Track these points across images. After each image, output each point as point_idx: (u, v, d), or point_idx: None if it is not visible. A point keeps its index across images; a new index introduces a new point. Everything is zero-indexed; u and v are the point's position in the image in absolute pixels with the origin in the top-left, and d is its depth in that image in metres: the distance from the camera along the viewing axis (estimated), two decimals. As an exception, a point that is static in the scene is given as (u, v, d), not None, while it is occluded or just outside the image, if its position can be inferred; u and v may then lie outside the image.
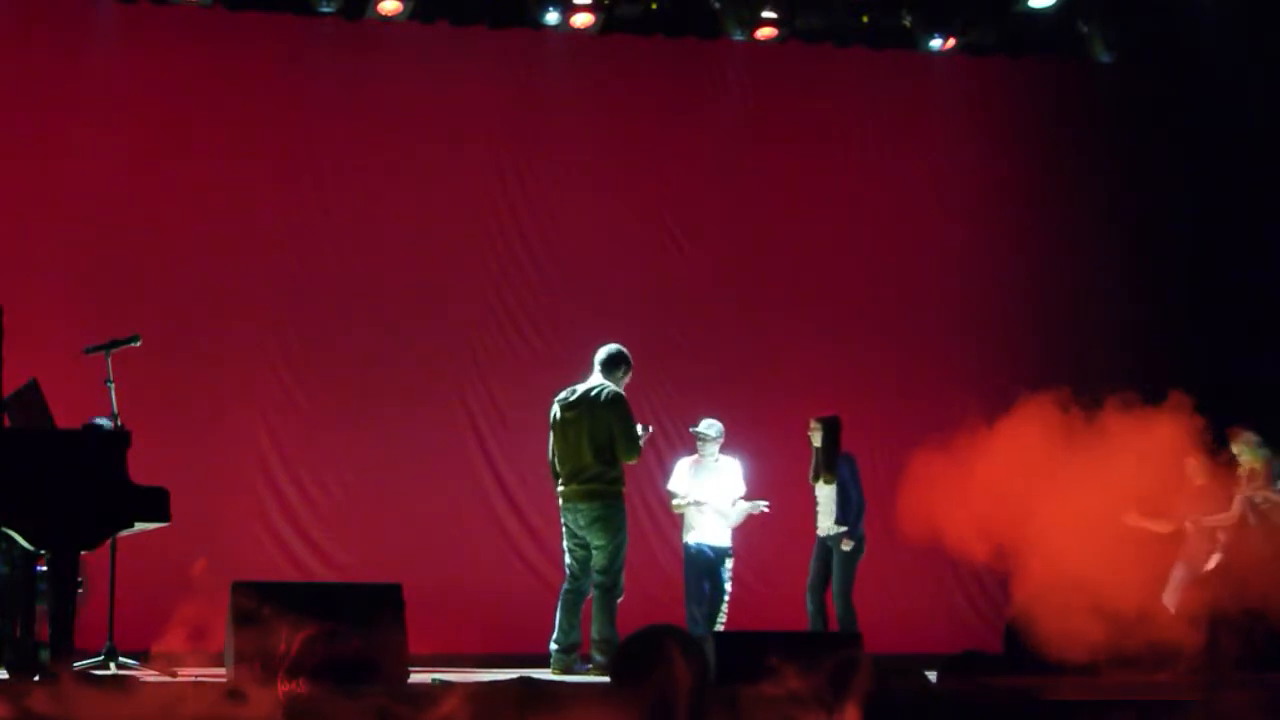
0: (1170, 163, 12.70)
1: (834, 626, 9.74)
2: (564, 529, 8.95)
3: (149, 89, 11.43)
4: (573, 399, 8.86)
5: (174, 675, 7.83)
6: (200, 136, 11.43)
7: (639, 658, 6.50)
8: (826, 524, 9.98)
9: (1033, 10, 12.31)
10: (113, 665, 8.17)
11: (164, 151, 11.33)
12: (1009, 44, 12.80)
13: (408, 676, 6.60)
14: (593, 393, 8.83)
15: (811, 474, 10.08)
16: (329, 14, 11.60)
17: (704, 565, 9.84)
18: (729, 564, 9.90)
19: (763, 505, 9.93)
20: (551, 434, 8.99)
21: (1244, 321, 12.28)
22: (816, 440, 10.02)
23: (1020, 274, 12.64)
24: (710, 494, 9.88)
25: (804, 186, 12.44)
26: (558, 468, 8.91)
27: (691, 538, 9.91)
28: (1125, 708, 6.12)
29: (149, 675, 7.59)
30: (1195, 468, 9.67)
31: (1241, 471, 9.76)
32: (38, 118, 11.15)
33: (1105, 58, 12.66)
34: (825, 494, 9.99)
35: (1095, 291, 12.56)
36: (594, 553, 8.76)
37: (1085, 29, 12.56)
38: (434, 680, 7.19)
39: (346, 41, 11.81)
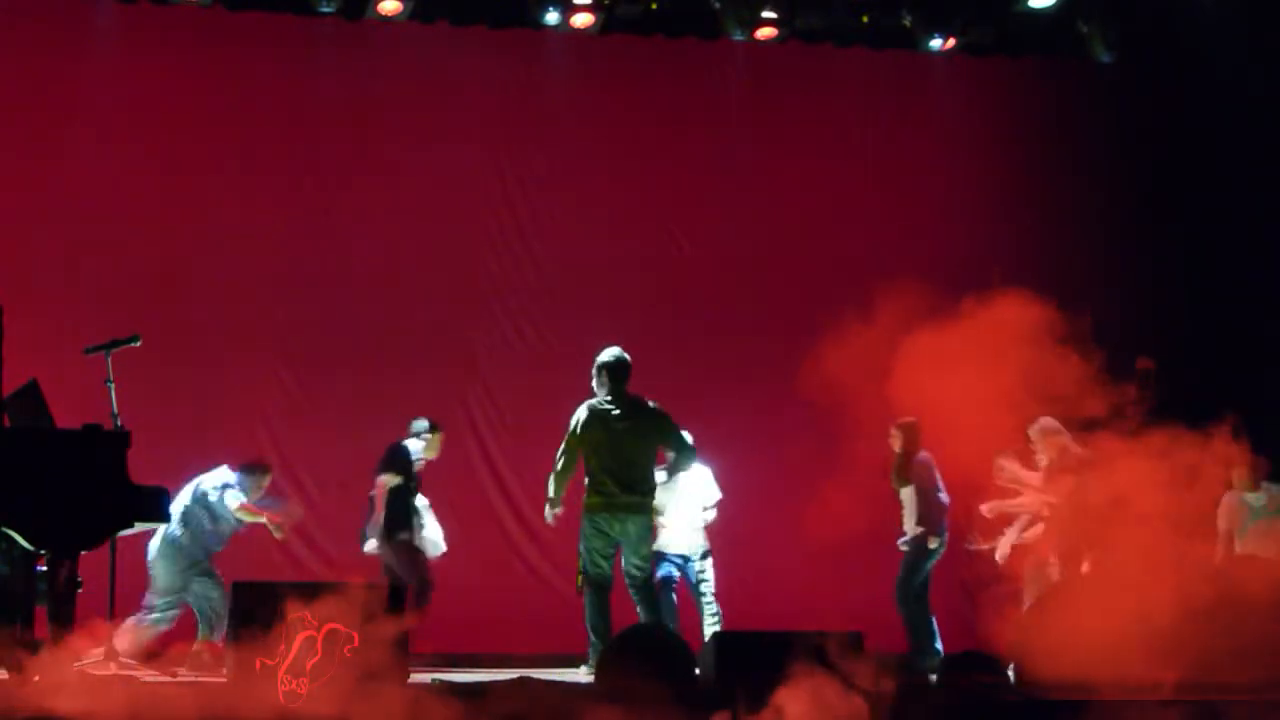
0: (1170, 163, 12.69)
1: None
2: (598, 535, 8.64)
3: (149, 89, 11.43)
4: (623, 409, 8.67)
5: (174, 675, 7.85)
6: (200, 136, 11.43)
7: (628, 656, 6.51)
8: (906, 527, 9.91)
9: (1033, 10, 12.32)
10: (113, 665, 8.16)
11: (164, 151, 11.34)
12: (1009, 44, 12.80)
13: (408, 676, 6.59)
14: (640, 404, 8.73)
15: (893, 479, 9.95)
16: (329, 14, 11.61)
17: (667, 572, 9.81)
18: (698, 565, 9.82)
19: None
20: (591, 442, 8.66)
21: (1244, 322, 12.28)
22: (896, 446, 9.91)
23: (1019, 274, 12.61)
24: (682, 500, 9.82)
25: (804, 187, 12.43)
26: (604, 475, 8.61)
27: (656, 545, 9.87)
28: (1126, 708, 6.13)
29: (149, 675, 7.60)
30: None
31: (1042, 461, 9.18)
32: (38, 117, 11.16)
33: (1105, 58, 12.66)
34: (905, 497, 9.89)
35: (1094, 291, 12.53)
36: (638, 559, 8.68)
37: (1085, 29, 12.57)
38: (434, 680, 7.19)
39: (346, 41, 11.81)
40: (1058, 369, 8.00)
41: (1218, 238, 12.49)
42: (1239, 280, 12.35)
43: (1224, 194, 12.46)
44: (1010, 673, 7.43)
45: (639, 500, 8.63)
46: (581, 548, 8.71)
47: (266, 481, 9.66)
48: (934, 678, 7.65)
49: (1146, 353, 8.87)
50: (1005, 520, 9.41)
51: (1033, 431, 9.13)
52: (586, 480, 8.69)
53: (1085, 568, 8.79)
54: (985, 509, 9.31)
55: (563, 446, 8.72)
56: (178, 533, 9.20)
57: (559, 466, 8.74)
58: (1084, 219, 12.67)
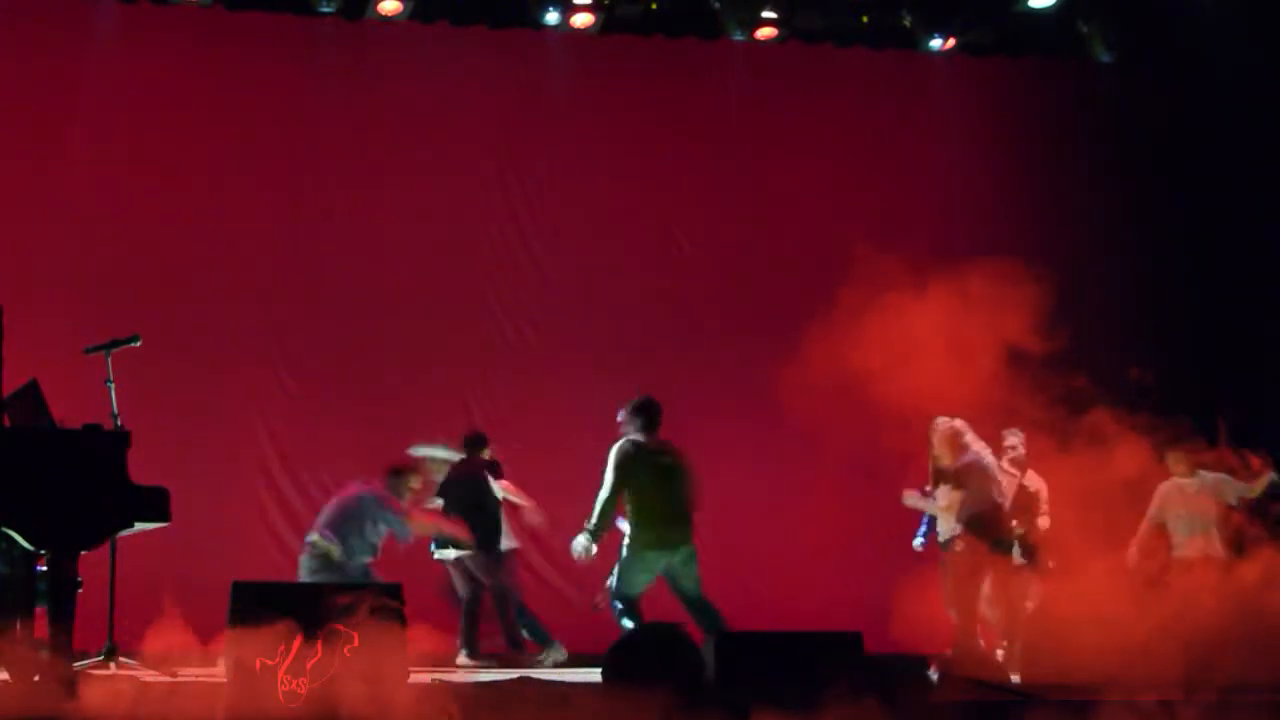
0: (1170, 163, 12.69)
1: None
2: (646, 570, 8.56)
3: (149, 89, 11.44)
4: (665, 447, 8.70)
5: (174, 675, 7.84)
6: (200, 136, 11.44)
7: (639, 657, 6.51)
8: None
9: (1033, 10, 12.33)
10: (113, 665, 8.16)
11: (164, 151, 11.35)
12: (1009, 44, 12.81)
13: (408, 676, 6.59)
14: (670, 445, 8.74)
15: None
16: (329, 14, 11.63)
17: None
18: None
19: None
20: (639, 480, 8.57)
21: (1244, 322, 12.28)
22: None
23: (1019, 273, 12.61)
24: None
25: (803, 186, 12.43)
26: (653, 513, 8.57)
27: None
28: (1124, 707, 6.13)
29: (149, 675, 7.59)
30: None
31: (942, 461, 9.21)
32: (38, 117, 11.17)
33: (1105, 58, 12.68)
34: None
35: (1094, 291, 12.55)
36: (690, 579, 8.62)
37: (1085, 29, 12.59)
38: (434, 680, 7.18)
39: (346, 41, 11.82)
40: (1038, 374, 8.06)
41: (1218, 238, 12.50)
42: (1239, 280, 12.35)
43: (1224, 194, 12.46)
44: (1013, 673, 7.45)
45: (688, 530, 8.62)
46: (618, 572, 8.58)
47: (417, 481, 9.73)
48: (935, 677, 7.66)
49: (1145, 351, 8.88)
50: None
51: (934, 434, 9.14)
52: (633, 517, 8.57)
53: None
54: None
55: (610, 485, 8.53)
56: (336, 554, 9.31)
57: (606, 504, 8.55)
58: (1084, 219, 12.67)
